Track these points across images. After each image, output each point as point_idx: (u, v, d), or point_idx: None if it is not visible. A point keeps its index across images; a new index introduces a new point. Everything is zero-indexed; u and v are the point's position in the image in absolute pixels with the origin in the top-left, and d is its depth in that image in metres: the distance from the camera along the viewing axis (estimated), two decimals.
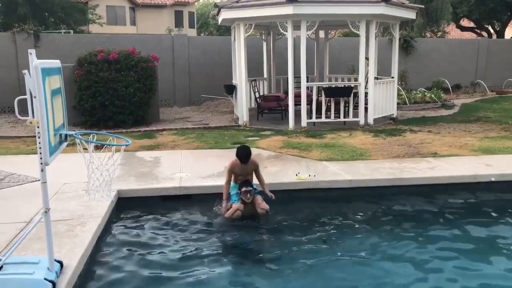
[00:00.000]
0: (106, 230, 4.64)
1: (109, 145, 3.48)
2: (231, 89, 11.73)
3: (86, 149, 3.37)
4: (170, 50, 14.52)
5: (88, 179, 3.53)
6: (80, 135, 3.43)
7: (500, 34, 25.50)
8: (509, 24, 26.08)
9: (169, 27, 33.31)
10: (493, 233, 4.69)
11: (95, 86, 10.18)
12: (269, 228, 4.91)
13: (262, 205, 5.11)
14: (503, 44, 20.77)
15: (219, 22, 11.81)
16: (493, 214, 5.28)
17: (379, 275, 3.84)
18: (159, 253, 4.28)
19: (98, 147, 3.47)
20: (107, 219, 4.78)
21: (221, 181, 5.89)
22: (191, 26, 38.53)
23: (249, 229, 4.88)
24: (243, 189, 5.04)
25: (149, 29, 31.49)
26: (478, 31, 26.99)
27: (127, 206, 5.34)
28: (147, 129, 10.23)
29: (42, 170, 3.08)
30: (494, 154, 7.32)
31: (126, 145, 3.57)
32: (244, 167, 5.30)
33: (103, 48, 10.82)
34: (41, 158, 3.01)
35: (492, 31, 26.35)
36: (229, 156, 7.20)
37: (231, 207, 5.12)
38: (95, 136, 3.70)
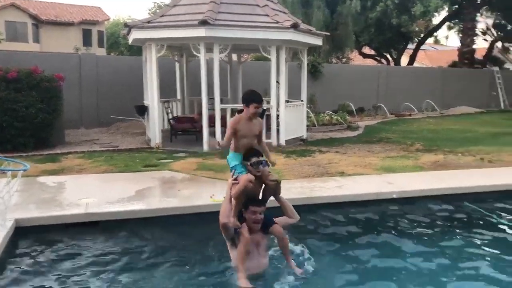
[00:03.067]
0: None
1: (3, 170, 3.19)
2: (142, 110, 11.42)
3: None
4: (77, 69, 13.87)
5: None
6: None
7: (397, 61, 27.82)
8: (404, 52, 28.55)
9: (76, 46, 31.90)
10: (399, 244, 4.98)
11: None
12: (182, 256, 4.77)
13: (271, 176, 4.13)
14: (400, 70, 22.68)
15: (130, 42, 11.53)
16: (397, 228, 5.61)
17: None
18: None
19: None
20: (2, 250, 4.34)
21: (132, 206, 5.69)
22: (101, 45, 37.24)
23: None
24: (254, 159, 3.99)
25: (55, 47, 29.85)
26: (378, 58, 29.21)
27: (25, 236, 4.89)
28: (50, 152, 9.56)
29: None
30: (395, 173, 7.85)
31: (24, 170, 3.30)
32: (250, 125, 4.15)
33: (1, 66, 10.02)
34: None
35: (390, 58, 28.65)
36: (140, 180, 7.01)
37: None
38: None
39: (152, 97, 10.53)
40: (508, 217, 6.04)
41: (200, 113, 11.06)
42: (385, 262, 4.55)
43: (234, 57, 14.49)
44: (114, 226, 5.28)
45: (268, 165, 4.14)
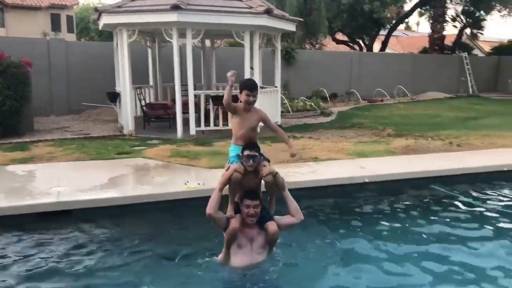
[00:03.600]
0: None
1: None
2: (114, 97, 11.23)
3: None
4: (46, 55, 13.47)
5: None
6: None
7: (370, 47, 28.07)
8: (376, 39, 28.82)
9: (44, 31, 30.91)
10: (370, 227, 5.10)
11: None
12: (156, 242, 4.76)
13: (265, 169, 3.89)
14: (372, 56, 22.93)
15: (100, 27, 11.28)
16: (369, 212, 5.74)
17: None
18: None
19: None
20: None
21: (106, 194, 5.63)
22: (70, 30, 36.17)
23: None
24: (246, 152, 3.86)
25: (22, 33, 28.78)
26: (351, 44, 29.40)
27: None
28: (19, 140, 9.32)
29: None
30: (367, 157, 7.99)
31: None
32: (246, 116, 4.00)
33: None
34: None
35: (362, 44, 28.89)
36: (113, 168, 6.93)
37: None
38: None
39: (124, 83, 10.35)
40: (475, 198, 6.26)
41: (173, 100, 10.97)
42: (358, 245, 4.65)
43: (208, 42, 14.35)
44: (87, 215, 5.21)
45: (268, 160, 3.99)
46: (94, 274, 4.01)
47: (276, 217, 4.05)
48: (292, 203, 4.04)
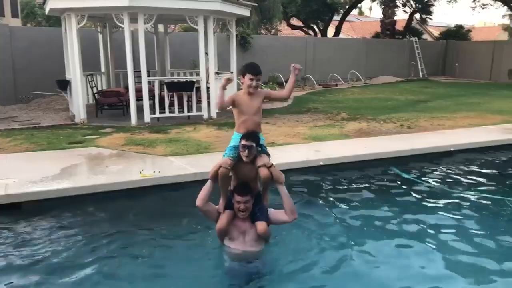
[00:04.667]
0: None
1: None
2: (64, 85, 10.83)
3: None
4: None
5: None
6: None
7: (324, 33, 28.40)
8: (330, 24, 29.18)
9: None
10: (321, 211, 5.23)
11: None
12: (114, 232, 4.69)
13: (260, 160, 3.78)
14: (326, 42, 23.21)
15: (47, 12, 10.79)
16: (325, 193, 5.87)
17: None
18: None
19: None
20: None
21: (58, 185, 5.47)
22: (15, 15, 34.36)
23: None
24: (243, 141, 3.71)
25: None
26: (306, 29, 29.63)
27: None
28: None
29: None
30: (322, 141, 8.15)
31: None
32: (250, 100, 3.86)
33: None
34: None
35: (317, 30, 29.18)
36: (65, 158, 6.73)
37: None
38: None
39: (74, 70, 9.99)
40: (424, 177, 6.54)
41: (126, 87, 10.72)
42: (317, 227, 4.72)
43: (161, 27, 14.06)
44: (38, 208, 5.05)
45: (268, 154, 3.90)
46: (47, 270, 3.85)
47: (270, 210, 3.95)
48: (288, 201, 3.86)
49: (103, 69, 12.76)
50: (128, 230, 4.67)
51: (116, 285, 3.69)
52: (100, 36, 12.75)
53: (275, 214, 3.93)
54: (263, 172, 3.75)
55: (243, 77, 3.84)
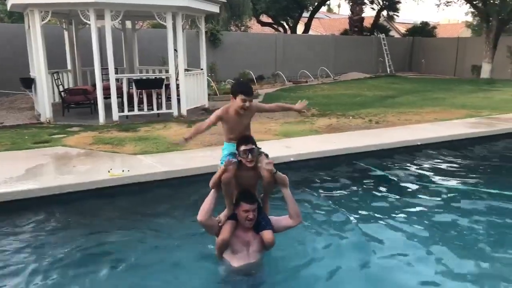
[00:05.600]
0: None
1: None
2: (29, 83, 10.51)
3: None
4: None
5: None
6: None
7: (293, 29, 28.55)
8: (300, 21, 29.35)
9: None
10: None
11: None
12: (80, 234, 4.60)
13: (264, 164, 3.55)
14: (296, 38, 23.37)
15: (9, 8, 10.44)
16: (291, 190, 5.90)
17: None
18: None
19: None
20: None
21: (23, 186, 5.32)
22: None
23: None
24: (242, 147, 3.49)
25: None
26: (276, 26, 29.72)
27: None
28: None
29: None
30: (293, 137, 8.21)
31: None
32: (239, 118, 3.63)
33: None
34: None
35: (287, 26, 29.31)
36: (30, 158, 6.54)
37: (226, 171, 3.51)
38: None
39: (38, 68, 9.71)
40: (392, 171, 6.68)
41: (94, 84, 10.50)
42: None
43: (129, 24, 13.83)
44: (2, 210, 4.89)
45: (266, 155, 3.63)
46: (11, 274, 3.75)
47: (272, 218, 3.74)
48: (293, 205, 3.68)
49: (69, 66, 12.45)
50: (96, 231, 4.60)
51: None
52: (66, 33, 12.44)
53: (278, 221, 3.74)
54: (267, 173, 3.53)
55: (235, 97, 3.57)
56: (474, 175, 6.63)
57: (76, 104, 10.81)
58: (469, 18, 32.46)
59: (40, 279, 3.67)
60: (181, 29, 10.42)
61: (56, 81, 10.88)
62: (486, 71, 21.29)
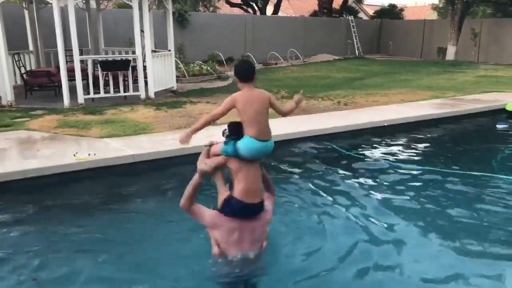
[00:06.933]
0: None
1: None
2: None
3: None
4: None
5: None
6: None
7: (263, 10, 28.35)
8: (269, 2, 29.15)
9: None
10: None
11: None
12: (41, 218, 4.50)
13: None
14: (265, 20, 23.22)
15: None
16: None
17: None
18: None
19: None
20: None
21: None
22: None
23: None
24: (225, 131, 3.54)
25: None
26: (245, 7, 29.42)
27: None
28: None
29: None
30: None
31: None
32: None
33: None
34: None
35: (256, 8, 29.06)
36: None
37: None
38: None
39: None
40: (360, 151, 6.80)
41: (57, 66, 10.16)
42: None
43: (93, 4, 13.40)
44: None
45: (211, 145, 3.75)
46: None
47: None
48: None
49: (31, 47, 11.99)
50: (63, 218, 4.51)
51: (55, 279, 3.56)
52: (26, 12, 11.94)
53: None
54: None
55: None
56: (439, 155, 6.82)
57: (40, 87, 10.45)
58: (436, 1, 33.02)
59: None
60: (148, 9, 10.18)
61: (17, 62, 10.46)
62: (451, 53, 21.77)
